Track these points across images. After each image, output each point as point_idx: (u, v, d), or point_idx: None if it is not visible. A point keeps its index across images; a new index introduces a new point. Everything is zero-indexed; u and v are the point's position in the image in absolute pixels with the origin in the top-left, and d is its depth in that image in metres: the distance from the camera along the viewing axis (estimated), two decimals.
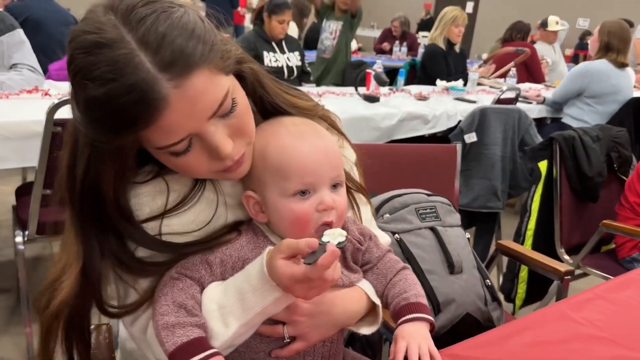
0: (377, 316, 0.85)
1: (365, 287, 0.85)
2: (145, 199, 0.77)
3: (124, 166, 0.73)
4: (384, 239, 0.98)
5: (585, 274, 2.09)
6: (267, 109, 0.84)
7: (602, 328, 0.98)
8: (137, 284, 0.79)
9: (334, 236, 0.70)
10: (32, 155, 1.80)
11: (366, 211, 0.97)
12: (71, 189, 0.73)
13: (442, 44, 4.13)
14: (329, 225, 0.76)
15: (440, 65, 4.06)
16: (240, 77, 0.77)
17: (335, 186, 0.79)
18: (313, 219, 0.76)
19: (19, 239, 1.88)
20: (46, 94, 2.30)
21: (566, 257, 2.06)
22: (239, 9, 7.19)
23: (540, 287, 2.14)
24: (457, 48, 4.23)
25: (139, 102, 0.62)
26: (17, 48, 2.36)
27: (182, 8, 0.67)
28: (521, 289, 2.15)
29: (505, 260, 2.36)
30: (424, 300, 0.82)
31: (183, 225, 0.79)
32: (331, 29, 4.26)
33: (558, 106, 3.78)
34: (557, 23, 5.29)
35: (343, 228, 0.83)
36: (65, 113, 1.67)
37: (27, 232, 1.87)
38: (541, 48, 5.26)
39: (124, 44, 0.62)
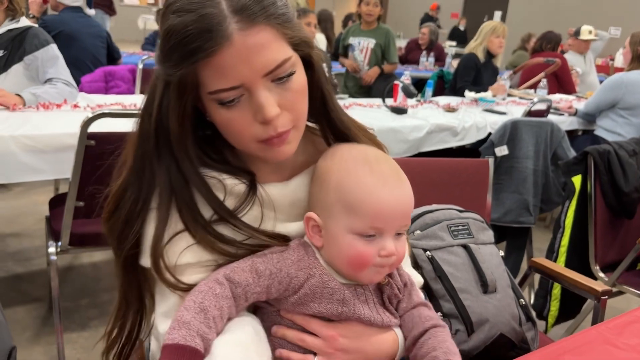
0: None
1: (399, 333, 0.84)
2: (211, 181, 0.79)
3: (186, 107, 0.74)
4: (416, 278, 0.96)
5: (620, 292, 2.03)
6: (323, 110, 0.84)
7: None
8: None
9: None
10: (65, 167, 1.83)
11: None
12: (146, 127, 0.76)
13: (480, 55, 4.10)
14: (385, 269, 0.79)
15: (468, 77, 4.02)
16: (309, 64, 0.79)
17: (399, 233, 0.79)
18: (373, 262, 0.77)
19: (51, 249, 1.91)
20: (75, 106, 2.35)
21: (601, 275, 2.00)
22: None
23: (573, 304, 2.09)
24: (496, 61, 4.18)
25: (205, 31, 0.67)
26: (51, 63, 2.42)
27: None
28: (554, 307, 2.10)
29: (537, 276, 2.30)
30: (454, 357, 0.79)
31: (231, 234, 0.79)
32: (361, 46, 4.24)
33: (591, 118, 3.70)
34: (590, 32, 5.20)
35: (389, 275, 0.83)
36: (98, 127, 1.69)
37: (59, 243, 1.90)
38: (571, 58, 5.18)
39: None
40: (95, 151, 1.72)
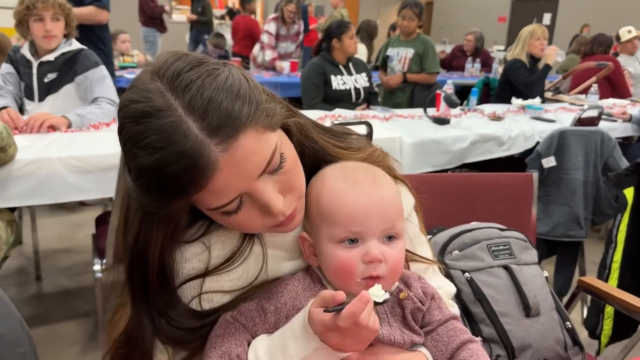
0: None
1: (427, 353, 0.80)
2: (193, 257, 0.78)
3: (175, 229, 0.74)
4: (449, 288, 0.93)
5: None
6: (316, 161, 0.83)
7: None
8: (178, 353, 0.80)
9: (378, 295, 0.67)
10: (111, 187, 1.88)
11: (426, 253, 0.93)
12: (122, 254, 0.76)
13: (524, 59, 3.99)
14: (376, 279, 0.73)
15: (522, 75, 3.91)
16: (287, 130, 0.76)
17: (390, 238, 0.75)
18: (358, 270, 0.73)
19: (97, 267, 1.96)
20: None
21: None
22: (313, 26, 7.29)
23: (628, 323, 1.98)
24: (540, 65, 4.06)
25: (188, 169, 0.62)
26: (98, 83, 2.50)
27: (227, 68, 0.67)
28: (607, 326, 2.00)
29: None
30: None
31: (232, 282, 0.78)
32: (400, 56, 4.21)
33: None
34: (629, 32, 5.03)
35: (406, 284, 0.80)
36: None
37: (104, 261, 1.95)
38: (623, 60, 4.98)
39: (171, 112, 0.62)
40: None
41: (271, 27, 5.41)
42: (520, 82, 3.93)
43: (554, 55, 4.04)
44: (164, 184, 0.63)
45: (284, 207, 0.71)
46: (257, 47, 5.65)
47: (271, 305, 0.76)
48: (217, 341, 0.74)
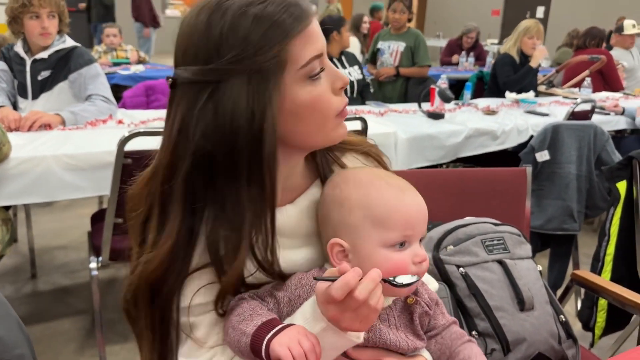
0: None
1: (429, 357, 0.83)
2: None
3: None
4: (432, 285, 0.95)
5: None
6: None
7: None
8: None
9: (408, 278, 0.72)
10: (105, 184, 1.88)
11: None
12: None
13: (515, 55, 4.00)
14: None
15: (508, 72, 3.93)
16: None
17: (421, 240, 0.81)
18: (410, 271, 0.77)
19: (92, 264, 1.97)
20: (120, 122, 2.41)
21: None
22: None
23: (621, 315, 2.00)
24: (533, 63, 4.07)
25: (295, 5, 0.73)
26: (92, 80, 2.49)
27: None
28: (600, 318, 2.01)
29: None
30: None
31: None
32: (391, 50, 4.21)
33: None
34: (634, 26, 5.01)
35: (414, 292, 0.82)
36: (134, 145, 1.73)
37: (100, 259, 1.95)
38: (617, 54, 4.99)
39: None
40: (132, 168, 1.76)
41: None
42: (501, 79, 3.97)
43: (540, 57, 4.02)
44: (276, 24, 0.70)
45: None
46: None
47: (284, 296, 0.78)
48: (238, 309, 0.76)
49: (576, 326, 1.93)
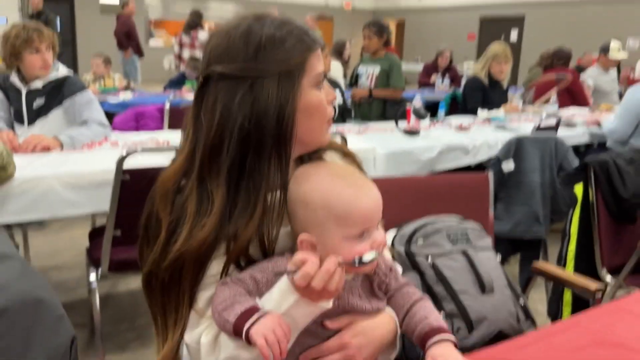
0: (396, 341, 0.99)
1: (392, 312, 0.98)
2: None
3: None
4: (387, 254, 1.10)
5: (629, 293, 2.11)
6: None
7: (620, 335, 1.06)
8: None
9: (369, 255, 0.88)
10: (102, 201, 2.01)
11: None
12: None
13: (484, 78, 4.19)
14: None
15: (476, 98, 4.13)
16: None
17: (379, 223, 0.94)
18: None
19: (92, 277, 2.09)
20: (115, 144, 2.56)
21: (608, 277, 2.09)
22: None
23: (585, 309, 2.16)
24: (503, 83, 4.26)
25: (307, 34, 0.95)
26: (86, 106, 2.63)
27: None
28: (566, 312, 2.19)
29: (550, 283, 2.39)
30: (444, 323, 0.94)
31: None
32: (368, 73, 4.42)
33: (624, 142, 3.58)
34: (619, 50, 5.21)
35: None
36: (131, 164, 1.88)
37: (99, 270, 2.08)
38: (595, 72, 5.22)
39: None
40: (130, 185, 1.91)
41: None
42: (469, 104, 4.15)
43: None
44: (299, 40, 0.92)
45: None
46: None
47: (263, 277, 0.91)
48: (222, 293, 0.88)
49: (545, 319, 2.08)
